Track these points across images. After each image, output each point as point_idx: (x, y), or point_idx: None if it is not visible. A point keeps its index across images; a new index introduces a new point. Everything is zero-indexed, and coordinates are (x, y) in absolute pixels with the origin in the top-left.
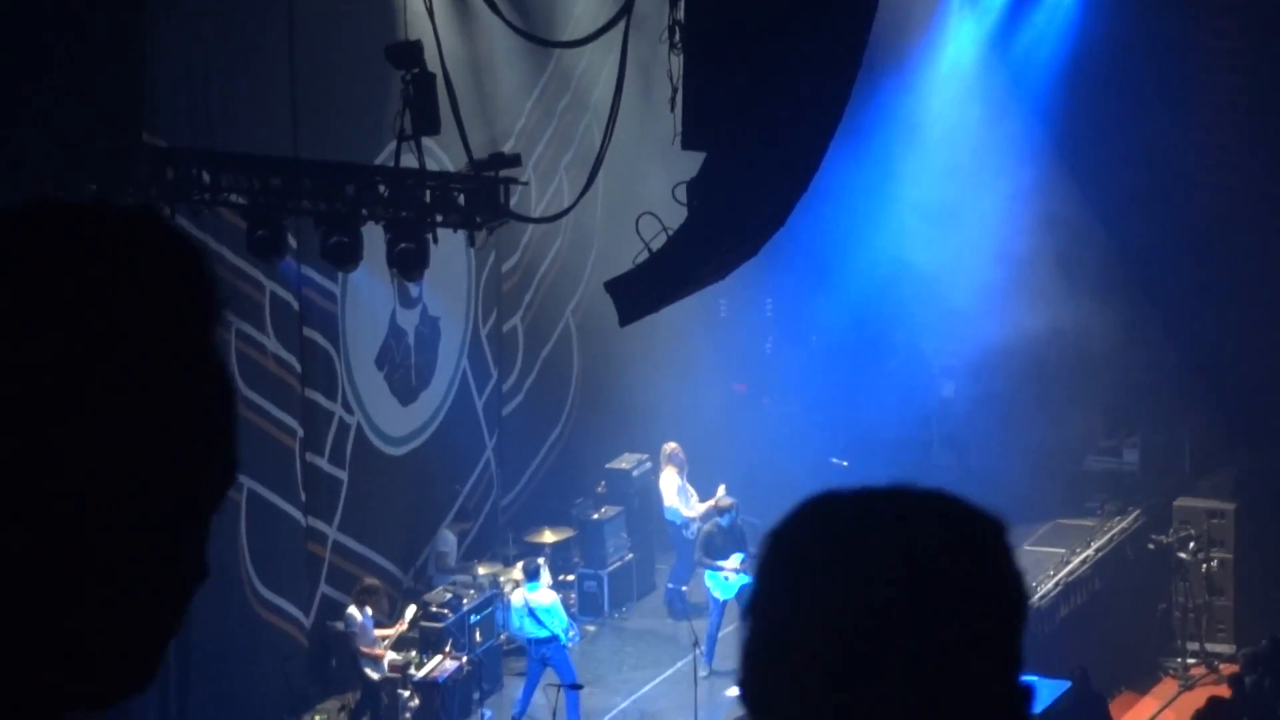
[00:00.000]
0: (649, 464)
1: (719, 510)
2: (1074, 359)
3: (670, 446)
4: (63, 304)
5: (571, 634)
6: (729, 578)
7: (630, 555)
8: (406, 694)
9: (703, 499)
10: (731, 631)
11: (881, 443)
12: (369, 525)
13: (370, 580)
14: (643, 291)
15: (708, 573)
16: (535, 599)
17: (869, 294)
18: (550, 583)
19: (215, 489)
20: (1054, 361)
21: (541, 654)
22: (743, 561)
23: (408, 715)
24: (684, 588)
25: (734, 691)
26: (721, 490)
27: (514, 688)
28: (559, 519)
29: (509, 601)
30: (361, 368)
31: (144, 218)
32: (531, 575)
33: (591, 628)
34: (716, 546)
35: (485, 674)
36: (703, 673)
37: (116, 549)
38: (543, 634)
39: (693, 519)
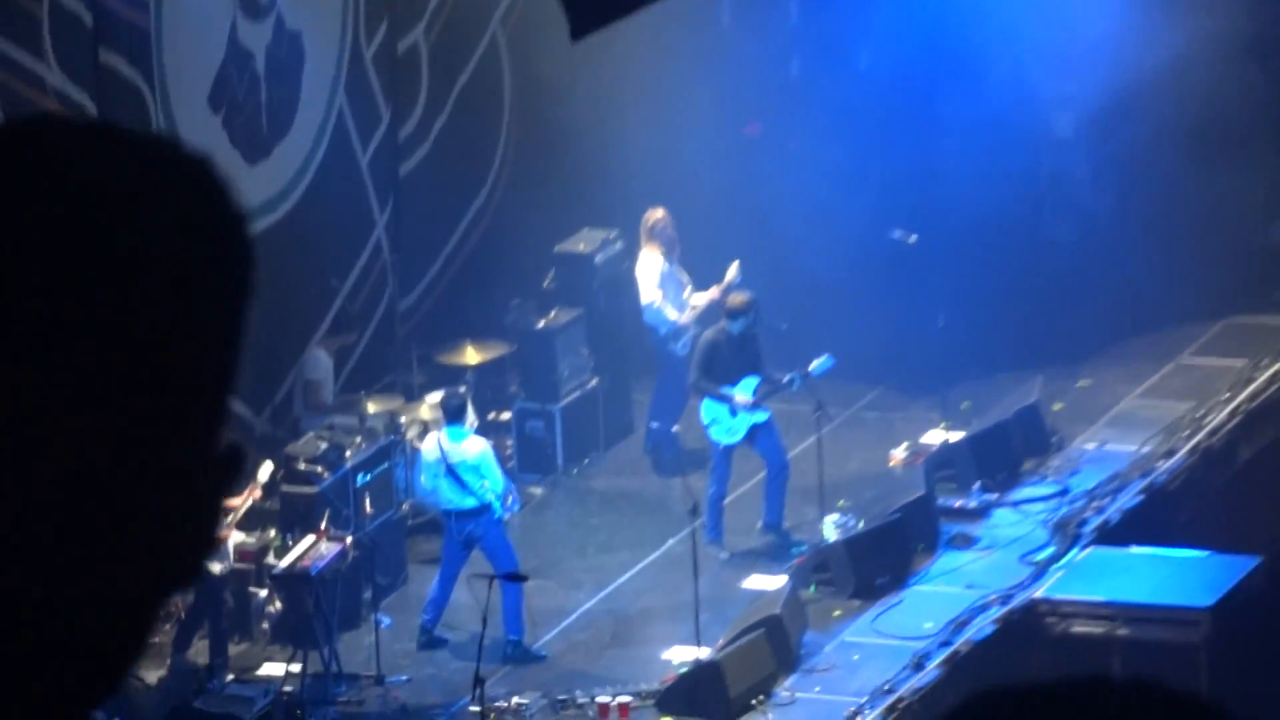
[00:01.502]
0: (620, 244)
1: (727, 310)
2: (1249, 87)
3: (654, 216)
4: (50, 238)
5: (510, 500)
6: (739, 413)
7: (595, 381)
8: (263, 593)
9: (703, 289)
10: (749, 491)
11: (964, 207)
12: None
13: None
14: None
15: (705, 403)
16: (458, 450)
17: None
18: (477, 424)
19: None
20: (1218, 90)
21: (466, 531)
22: (758, 390)
23: (265, 625)
24: (674, 427)
25: (754, 581)
26: (733, 272)
27: (424, 581)
28: (486, 329)
29: (416, 453)
30: (187, 109)
31: (172, 149)
32: (453, 415)
33: (538, 490)
34: (722, 365)
35: (380, 562)
36: (723, 555)
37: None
38: (468, 502)
39: (685, 324)
